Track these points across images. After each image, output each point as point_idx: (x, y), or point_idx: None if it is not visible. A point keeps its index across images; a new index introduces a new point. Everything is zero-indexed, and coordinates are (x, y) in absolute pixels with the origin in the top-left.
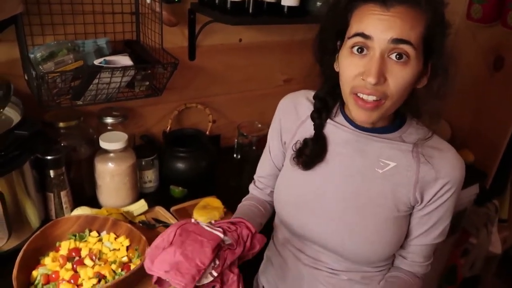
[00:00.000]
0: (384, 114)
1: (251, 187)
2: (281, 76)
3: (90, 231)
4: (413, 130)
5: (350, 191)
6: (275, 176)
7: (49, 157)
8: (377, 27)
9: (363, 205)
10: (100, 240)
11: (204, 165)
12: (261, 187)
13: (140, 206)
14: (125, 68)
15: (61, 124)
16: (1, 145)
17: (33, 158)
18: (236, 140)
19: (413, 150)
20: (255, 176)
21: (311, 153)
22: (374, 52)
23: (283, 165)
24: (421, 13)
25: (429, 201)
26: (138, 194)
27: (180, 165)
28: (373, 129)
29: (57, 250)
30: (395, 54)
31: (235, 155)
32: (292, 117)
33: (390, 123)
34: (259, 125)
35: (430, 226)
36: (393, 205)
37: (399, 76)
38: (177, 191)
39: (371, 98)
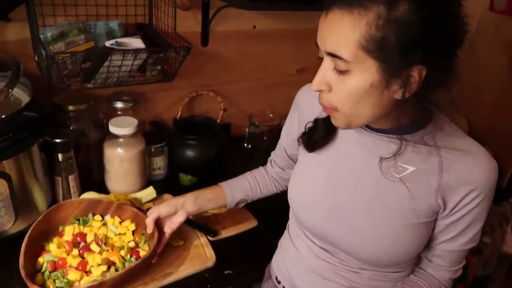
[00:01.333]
0: (353, 123)
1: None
2: (294, 65)
3: (94, 215)
4: (437, 131)
5: (363, 195)
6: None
7: (57, 140)
8: (319, 37)
9: (376, 211)
10: (105, 224)
11: (214, 154)
12: (273, 164)
13: (149, 193)
14: (136, 51)
15: (71, 108)
16: (9, 126)
17: (41, 140)
18: (247, 130)
19: (435, 153)
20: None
21: (319, 134)
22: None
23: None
24: (359, 17)
25: (453, 208)
26: (147, 181)
27: (190, 153)
28: (391, 130)
29: (60, 235)
30: (332, 66)
31: (245, 145)
32: (310, 108)
33: (411, 123)
34: (271, 115)
35: (457, 233)
36: (411, 212)
37: (341, 88)
38: (186, 179)
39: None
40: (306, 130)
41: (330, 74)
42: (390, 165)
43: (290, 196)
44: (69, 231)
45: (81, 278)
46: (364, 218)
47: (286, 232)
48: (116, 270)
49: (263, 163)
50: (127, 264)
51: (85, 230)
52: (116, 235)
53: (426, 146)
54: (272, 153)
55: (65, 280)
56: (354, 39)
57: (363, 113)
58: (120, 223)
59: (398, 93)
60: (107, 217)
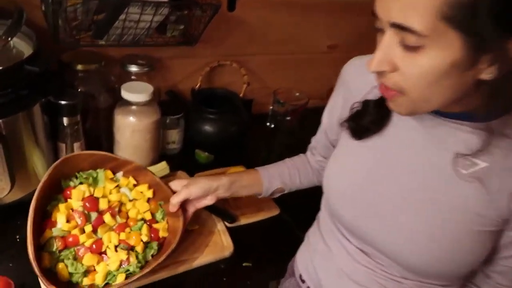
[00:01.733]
0: (418, 109)
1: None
2: (326, 41)
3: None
4: None
5: (418, 193)
6: (329, 149)
7: (63, 102)
8: (379, 4)
9: (432, 212)
10: (117, 186)
11: (235, 130)
12: (313, 152)
13: (162, 168)
14: (158, 4)
15: (80, 67)
16: (7, 80)
17: (44, 101)
18: (271, 107)
19: None
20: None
21: (369, 119)
22: (384, 35)
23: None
24: None
25: None
26: (159, 155)
27: (208, 128)
28: (461, 115)
29: (65, 196)
30: (398, 41)
31: (268, 124)
32: (359, 86)
33: (487, 108)
34: (297, 94)
35: None
36: (476, 217)
37: (411, 67)
38: (202, 156)
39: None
40: (353, 114)
41: (395, 51)
42: (455, 157)
43: (326, 184)
44: (77, 195)
45: (98, 262)
46: (415, 219)
47: (315, 224)
48: (137, 257)
49: (286, 143)
50: (147, 251)
51: (96, 192)
52: (130, 200)
53: (505, 138)
54: (313, 139)
55: (81, 268)
56: (432, 6)
57: (435, 97)
58: (135, 185)
59: (486, 72)
60: (119, 175)
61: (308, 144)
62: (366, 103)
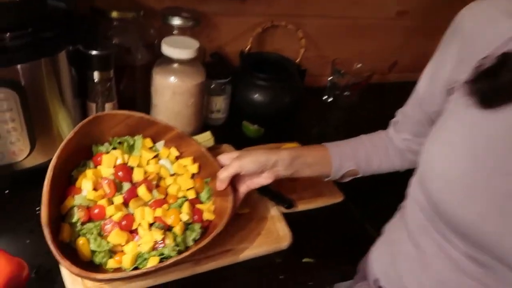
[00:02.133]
0: None
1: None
2: (395, 6)
3: (143, 138)
4: None
5: None
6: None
7: (94, 53)
8: None
9: None
10: (156, 156)
11: (288, 102)
12: (398, 128)
13: (206, 139)
14: None
15: (115, 14)
16: (27, 17)
17: (72, 49)
18: (329, 79)
19: None
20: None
21: (509, 77)
22: None
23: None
24: None
25: None
26: (202, 124)
27: (258, 97)
28: None
29: (95, 162)
30: None
31: (325, 97)
32: (486, 36)
33: None
34: (359, 65)
35: None
36: None
37: None
38: (251, 129)
39: None
40: (483, 71)
41: None
42: None
43: (426, 168)
44: (108, 161)
45: (127, 242)
46: None
47: (397, 217)
48: (175, 240)
49: (344, 121)
50: (188, 234)
51: (131, 161)
52: (170, 175)
53: None
54: (399, 112)
55: (106, 245)
56: None
57: None
58: (177, 158)
59: None
60: (160, 144)
61: (371, 123)
62: (505, 57)
